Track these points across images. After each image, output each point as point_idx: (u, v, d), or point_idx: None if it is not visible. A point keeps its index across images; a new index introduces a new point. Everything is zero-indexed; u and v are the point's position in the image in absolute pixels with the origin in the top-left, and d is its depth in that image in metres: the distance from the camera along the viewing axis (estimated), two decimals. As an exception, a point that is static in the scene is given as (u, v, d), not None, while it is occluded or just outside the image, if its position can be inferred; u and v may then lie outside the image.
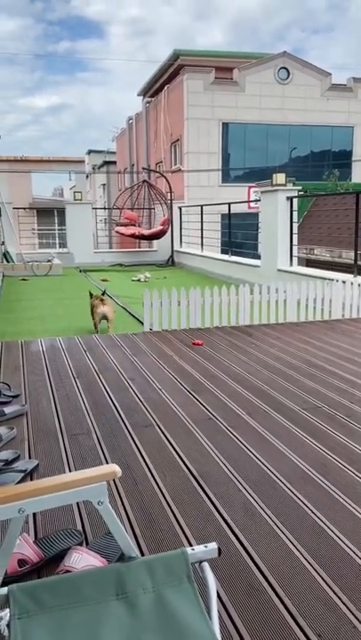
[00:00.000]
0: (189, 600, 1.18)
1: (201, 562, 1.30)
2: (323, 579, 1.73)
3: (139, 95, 28.85)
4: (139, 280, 10.99)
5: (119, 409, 3.26)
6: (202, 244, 12.64)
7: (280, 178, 8.70)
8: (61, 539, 1.87)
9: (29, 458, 2.61)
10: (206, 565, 1.28)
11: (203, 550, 1.30)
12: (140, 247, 15.49)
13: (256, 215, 10.44)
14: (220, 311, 5.79)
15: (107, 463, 2.51)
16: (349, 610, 1.60)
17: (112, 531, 1.27)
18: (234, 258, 10.99)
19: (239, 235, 14.58)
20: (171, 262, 13.92)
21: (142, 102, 27.61)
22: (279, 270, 8.59)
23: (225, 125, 22.31)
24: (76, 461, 2.58)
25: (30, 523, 2.05)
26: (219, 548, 1.32)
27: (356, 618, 1.56)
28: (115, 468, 1.23)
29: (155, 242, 14.47)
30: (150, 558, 1.33)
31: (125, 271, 12.79)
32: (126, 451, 2.68)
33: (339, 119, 23.43)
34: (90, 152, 37.64)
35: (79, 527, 2.02)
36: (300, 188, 9.89)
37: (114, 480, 2.34)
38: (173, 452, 2.66)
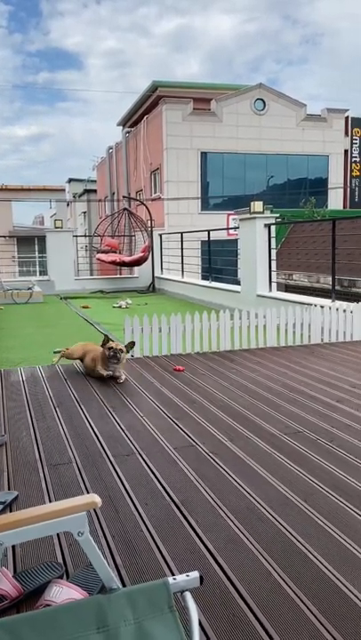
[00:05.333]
0: (171, 630, 1.16)
1: (183, 591, 1.29)
2: (308, 608, 1.72)
3: (118, 125, 29.33)
4: (120, 307, 11.00)
5: (100, 438, 3.24)
6: (182, 271, 12.74)
7: (258, 206, 8.87)
8: (41, 572, 1.84)
9: (8, 489, 2.57)
10: (188, 595, 1.27)
11: (185, 579, 1.29)
12: (121, 274, 15.55)
13: (235, 242, 10.60)
14: (201, 337, 5.81)
15: (88, 493, 2.48)
16: (334, 638, 1.59)
17: (92, 562, 1.26)
18: (214, 284, 11.09)
19: (219, 261, 14.76)
20: (152, 289, 13.98)
21: (122, 132, 28.05)
22: (259, 296, 8.69)
23: (203, 155, 22.75)
24: (57, 492, 2.54)
25: (9, 556, 2.01)
26: (201, 577, 1.31)
27: (340, 645, 1.55)
28: (95, 498, 1.23)
29: (136, 268, 14.54)
30: (131, 589, 1.31)
31: (106, 298, 12.80)
32: (108, 480, 2.66)
33: (314, 148, 24.08)
34: (70, 180, 37.94)
35: (60, 559, 1.98)
36: (277, 215, 10.09)
37: (95, 510, 2.31)
38: (155, 481, 2.64)
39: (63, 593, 1.66)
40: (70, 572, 1.90)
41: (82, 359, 4.86)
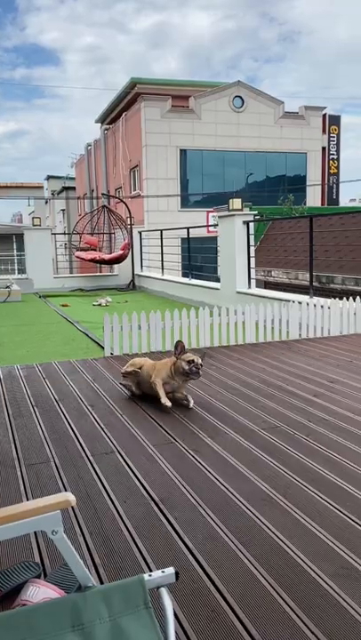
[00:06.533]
0: (146, 627, 1.16)
1: (159, 587, 1.29)
2: (286, 603, 1.73)
3: (97, 122, 29.15)
4: (100, 305, 10.93)
5: (79, 436, 3.22)
6: (162, 268, 12.72)
7: (236, 203, 8.89)
8: (18, 572, 1.82)
9: (-15, 490, 2.54)
10: (164, 590, 1.27)
11: (160, 576, 1.29)
12: (100, 272, 15.46)
13: (215, 239, 10.61)
14: (181, 334, 5.81)
15: (66, 492, 2.47)
16: (314, 634, 1.60)
17: (67, 560, 1.25)
18: (194, 281, 11.09)
19: (199, 258, 14.77)
20: (132, 286, 13.94)
21: (101, 129, 27.90)
22: (238, 292, 8.72)
23: (183, 152, 22.75)
24: (34, 492, 2.52)
25: (-14, 557, 1.99)
26: (176, 573, 1.31)
27: None
28: (68, 497, 1.22)
29: (115, 266, 14.47)
30: (107, 587, 1.31)
31: (86, 296, 12.72)
32: (86, 479, 2.64)
33: (292, 146, 24.26)
34: (49, 178, 37.61)
35: (37, 559, 1.97)
36: (256, 212, 10.14)
37: (73, 509, 2.30)
38: (134, 478, 2.63)
39: (40, 592, 1.65)
40: (48, 571, 1.89)
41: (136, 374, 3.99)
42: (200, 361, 3.74)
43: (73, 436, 3.23)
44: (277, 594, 1.77)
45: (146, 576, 1.27)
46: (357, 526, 2.16)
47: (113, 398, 3.96)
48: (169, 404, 3.63)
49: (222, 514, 2.28)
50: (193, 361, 3.71)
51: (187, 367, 3.70)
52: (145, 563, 1.94)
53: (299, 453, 2.91)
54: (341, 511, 2.28)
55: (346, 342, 5.90)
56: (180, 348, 3.80)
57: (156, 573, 1.30)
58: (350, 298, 6.47)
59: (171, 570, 1.31)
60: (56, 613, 1.19)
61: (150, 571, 1.86)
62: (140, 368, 3.94)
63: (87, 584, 1.27)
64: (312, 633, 1.59)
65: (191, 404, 3.71)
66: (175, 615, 1.65)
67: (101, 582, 1.80)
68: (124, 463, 2.82)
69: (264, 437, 3.15)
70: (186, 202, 23.17)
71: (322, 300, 6.61)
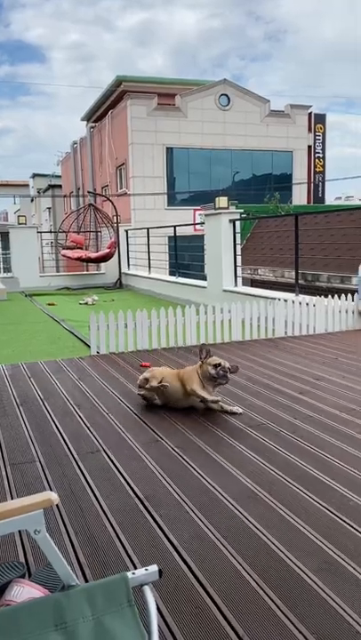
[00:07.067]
0: (129, 625, 1.16)
1: (142, 585, 1.29)
2: (271, 599, 1.74)
3: (83, 120, 29.00)
4: (86, 303, 10.89)
5: (65, 436, 3.21)
6: (149, 267, 12.71)
7: (222, 201, 8.91)
8: (2, 572, 1.81)
9: (-30, 490, 2.52)
10: (147, 588, 1.28)
11: (144, 573, 1.30)
12: (87, 270, 15.40)
13: (202, 237, 10.61)
14: (167, 332, 5.81)
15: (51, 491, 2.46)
16: (298, 629, 1.61)
17: (50, 559, 1.25)
18: (181, 279, 11.09)
19: (186, 256, 14.77)
20: (119, 285, 13.90)
21: (86, 127, 27.76)
22: (225, 291, 8.74)
23: (169, 150, 22.72)
24: (20, 491, 2.51)
25: (-30, 558, 1.97)
26: (160, 571, 1.32)
27: (304, 637, 1.57)
28: (51, 496, 1.22)
29: (102, 265, 14.42)
30: (90, 585, 1.31)
31: (73, 294, 12.66)
32: (72, 478, 2.63)
33: (278, 144, 24.34)
34: (34, 176, 37.32)
35: (22, 559, 1.96)
36: (242, 210, 10.15)
37: (58, 508, 2.30)
38: (120, 477, 2.63)
39: (24, 592, 1.64)
40: (33, 571, 1.88)
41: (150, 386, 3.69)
42: (227, 364, 3.56)
43: (58, 435, 3.22)
44: (262, 589, 1.78)
45: (129, 574, 1.27)
46: (341, 522, 2.18)
47: (99, 397, 3.95)
48: (218, 398, 3.51)
49: (207, 511, 2.29)
50: (220, 364, 3.51)
51: (213, 372, 3.50)
52: (130, 560, 1.94)
53: (284, 450, 2.93)
54: (326, 507, 2.30)
55: (331, 340, 5.94)
56: (204, 351, 3.57)
57: (140, 571, 1.30)
58: (335, 295, 6.52)
59: (154, 567, 1.31)
60: (39, 613, 1.18)
61: (135, 568, 1.86)
62: (161, 380, 3.65)
63: (70, 583, 1.27)
64: (296, 628, 1.61)
65: (239, 410, 3.49)
66: (160, 611, 1.66)
67: (86, 580, 1.80)
68: (109, 462, 2.81)
69: (250, 435, 3.17)
70: (173, 200, 23.14)
71: (307, 298, 6.65)
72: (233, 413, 3.49)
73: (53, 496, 1.22)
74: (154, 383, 3.64)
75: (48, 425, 3.40)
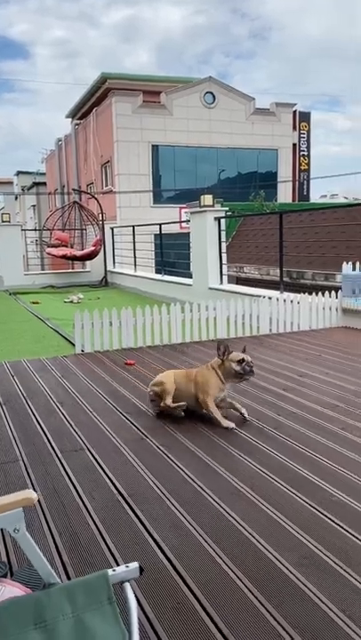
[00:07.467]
0: (110, 622, 1.17)
1: (123, 582, 1.30)
2: (252, 593, 1.76)
3: (67, 117, 28.79)
4: (71, 301, 10.84)
5: (48, 434, 3.20)
6: (135, 265, 12.68)
7: (208, 199, 8.91)
8: (-16, 572, 1.80)
9: None
10: (127, 585, 1.28)
11: (124, 570, 1.30)
12: (73, 268, 15.32)
13: (188, 235, 10.61)
14: (153, 330, 5.82)
15: (34, 490, 2.45)
16: (277, 621, 1.63)
17: (30, 558, 1.25)
18: (167, 277, 11.09)
19: (173, 254, 14.77)
20: (104, 283, 13.85)
21: (71, 124, 27.59)
22: (210, 288, 8.76)
23: (155, 148, 22.66)
24: (1, 491, 2.50)
25: None
26: (140, 567, 1.32)
27: (284, 629, 1.59)
28: (30, 495, 1.22)
29: (88, 263, 14.36)
30: (71, 583, 1.31)
31: (58, 293, 12.59)
32: (55, 476, 2.63)
33: (264, 142, 24.39)
34: (19, 173, 37.04)
35: (4, 558, 1.95)
36: (227, 208, 10.17)
37: (41, 507, 2.29)
38: (103, 475, 2.63)
39: (6, 592, 1.63)
40: (15, 570, 1.87)
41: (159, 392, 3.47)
42: (249, 358, 3.40)
43: (42, 433, 3.21)
44: (242, 583, 1.80)
45: (110, 571, 1.28)
46: (322, 517, 2.21)
47: (83, 395, 3.94)
48: (232, 425, 3.20)
49: (190, 507, 2.30)
50: (243, 360, 3.33)
51: (238, 368, 3.32)
52: (112, 557, 1.94)
53: (268, 447, 2.95)
54: (308, 502, 2.32)
55: (315, 337, 5.99)
56: (223, 348, 3.38)
57: (121, 568, 1.30)
58: (319, 293, 6.57)
59: (135, 564, 1.32)
60: (19, 611, 1.18)
61: (118, 565, 1.87)
62: (164, 386, 3.44)
63: (51, 581, 1.28)
64: (275, 620, 1.63)
65: (246, 414, 3.37)
66: (141, 607, 1.67)
67: (68, 578, 1.81)
68: (93, 460, 2.81)
69: (234, 432, 3.18)
70: (159, 198, 23.10)
71: (292, 296, 6.69)
72: (241, 414, 3.38)
73: (33, 494, 1.22)
74: (169, 401, 3.38)
75: (31, 424, 3.39)
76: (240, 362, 3.33)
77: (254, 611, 1.67)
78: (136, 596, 1.70)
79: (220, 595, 1.74)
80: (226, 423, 3.23)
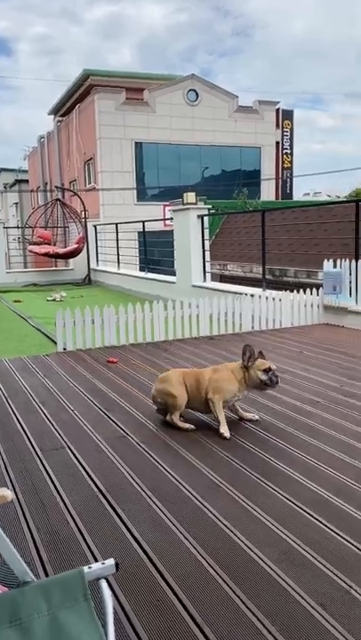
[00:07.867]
0: (86, 619, 1.17)
1: (99, 579, 1.29)
2: (231, 589, 1.76)
3: (50, 114, 28.57)
4: (54, 300, 10.77)
5: (28, 433, 3.17)
6: (118, 262, 12.64)
7: (190, 197, 8.92)
8: None
9: None
10: (103, 582, 1.28)
11: (100, 567, 1.30)
12: (56, 266, 15.21)
13: (172, 233, 10.61)
14: (135, 328, 5.80)
15: (13, 489, 2.43)
16: (256, 616, 1.64)
17: (4, 555, 1.24)
18: (150, 275, 11.07)
19: (156, 252, 14.74)
20: (88, 281, 13.78)
21: (54, 121, 27.39)
22: (194, 286, 8.77)
23: (138, 145, 22.60)
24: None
25: None
26: (117, 564, 1.32)
27: (262, 624, 1.60)
28: (4, 492, 1.20)
29: (71, 260, 14.27)
30: (46, 581, 1.30)
31: (40, 291, 12.50)
32: (34, 474, 2.61)
33: (247, 140, 24.46)
34: (0, 170, 36.67)
35: (-19, 558, 1.93)
36: (210, 206, 10.18)
37: (19, 503, 2.28)
38: (83, 473, 2.62)
39: (-18, 591, 1.62)
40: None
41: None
42: (275, 366, 3.24)
43: (22, 432, 3.19)
44: (221, 578, 1.80)
45: (85, 568, 1.27)
46: (302, 512, 2.22)
47: (64, 394, 3.92)
48: (227, 434, 3.02)
49: (170, 503, 2.30)
50: (270, 369, 3.15)
51: (265, 377, 3.13)
52: (91, 554, 1.94)
53: (248, 443, 2.96)
54: (287, 498, 2.34)
55: (296, 333, 6.03)
56: (248, 353, 3.15)
57: (96, 565, 1.30)
58: (301, 290, 6.61)
59: (111, 561, 1.31)
60: (-7, 610, 1.17)
61: (96, 561, 1.86)
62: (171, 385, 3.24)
63: (26, 579, 1.27)
64: (254, 615, 1.64)
65: (256, 418, 3.29)
66: (120, 603, 1.67)
67: (47, 575, 1.80)
68: (73, 458, 2.80)
69: (214, 428, 3.19)
70: (142, 195, 23.04)
71: (274, 293, 6.72)
72: (250, 420, 3.28)
73: (7, 492, 1.21)
74: (176, 419, 3.20)
75: (11, 422, 3.36)
76: (266, 371, 3.13)
77: (233, 606, 1.68)
78: (114, 592, 1.71)
79: (199, 590, 1.75)
80: (225, 431, 3.06)
